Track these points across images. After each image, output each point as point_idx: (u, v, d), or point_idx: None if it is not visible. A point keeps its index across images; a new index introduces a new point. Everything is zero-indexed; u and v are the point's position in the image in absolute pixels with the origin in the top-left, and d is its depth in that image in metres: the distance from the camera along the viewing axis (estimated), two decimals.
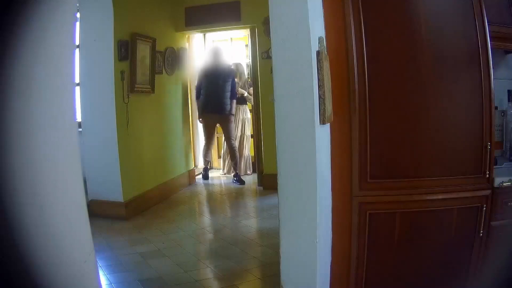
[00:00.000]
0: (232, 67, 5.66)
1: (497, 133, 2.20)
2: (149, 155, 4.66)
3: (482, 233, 1.90)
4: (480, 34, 1.84)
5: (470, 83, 1.87)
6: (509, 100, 2.30)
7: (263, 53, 4.90)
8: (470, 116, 1.88)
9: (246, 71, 6.01)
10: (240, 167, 5.75)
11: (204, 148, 5.70)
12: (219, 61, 5.39)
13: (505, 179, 1.91)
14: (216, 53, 5.45)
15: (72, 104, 1.26)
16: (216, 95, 5.28)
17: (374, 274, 1.91)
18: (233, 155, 5.52)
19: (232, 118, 5.52)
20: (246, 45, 5.77)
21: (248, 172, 5.93)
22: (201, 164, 6.03)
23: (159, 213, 4.37)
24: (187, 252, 3.35)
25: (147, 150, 4.63)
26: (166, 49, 5.01)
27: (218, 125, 5.60)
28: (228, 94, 5.30)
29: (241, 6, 5.03)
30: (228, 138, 5.53)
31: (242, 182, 5.48)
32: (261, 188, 5.12)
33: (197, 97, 5.47)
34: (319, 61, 1.59)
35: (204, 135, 5.64)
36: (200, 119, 5.57)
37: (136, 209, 4.24)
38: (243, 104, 5.82)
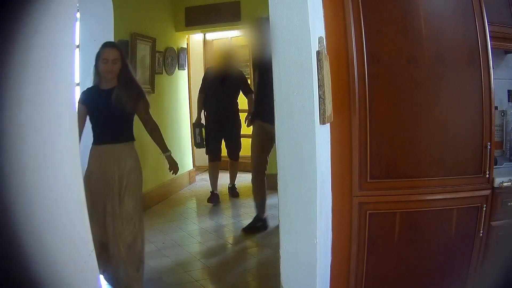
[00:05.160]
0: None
1: (497, 133, 2.19)
2: (149, 155, 4.65)
3: (482, 233, 1.89)
4: (480, 34, 1.84)
5: (470, 83, 1.87)
6: (509, 100, 2.30)
7: None
8: (470, 116, 1.88)
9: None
10: None
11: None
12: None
13: (505, 179, 1.91)
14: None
15: (72, 104, 1.26)
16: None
17: (374, 274, 1.91)
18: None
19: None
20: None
21: None
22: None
23: (159, 213, 4.37)
24: (187, 252, 3.35)
25: (147, 150, 4.62)
26: (166, 49, 5.01)
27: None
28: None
29: (241, 6, 5.04)
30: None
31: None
32: None
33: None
34: (319, 61, 1.59)
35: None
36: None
37: None
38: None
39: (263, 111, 3.56)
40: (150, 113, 2.75)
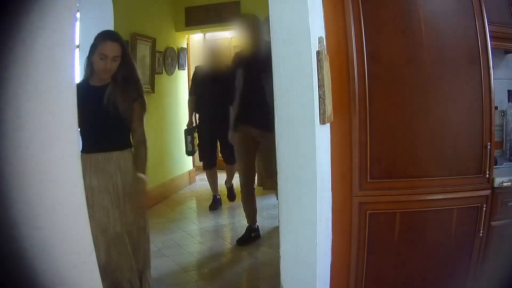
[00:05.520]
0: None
1: (497, 133, 2.20)
2: (149, 155, 4.65)
3: (482, 233, 1.89)
4: (480, 34, 1.84)
5: (470, 83, 1.87)
6: (509, 100, 2.30)
7: None
8: (470, 116, 1.88)
9: None
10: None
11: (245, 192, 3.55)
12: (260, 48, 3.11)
13: (505, 179, 1.91)
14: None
15: (72, 104, 1.26)
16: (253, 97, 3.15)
17: (374, 274, 1.91)
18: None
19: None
20: None
21: None
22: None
23: (159, 213, 4.37)
24: (187, 252, 3.36)
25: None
26: (166, 49, 5.02)
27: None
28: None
29: (241, 6, 5.04)
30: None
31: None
32: (261, 188, 5.11)
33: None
34: (319, 61, 1.59)
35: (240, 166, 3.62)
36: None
37: None
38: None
39: (248, 114, 3.27)
40: (144, 121, 2.26)
